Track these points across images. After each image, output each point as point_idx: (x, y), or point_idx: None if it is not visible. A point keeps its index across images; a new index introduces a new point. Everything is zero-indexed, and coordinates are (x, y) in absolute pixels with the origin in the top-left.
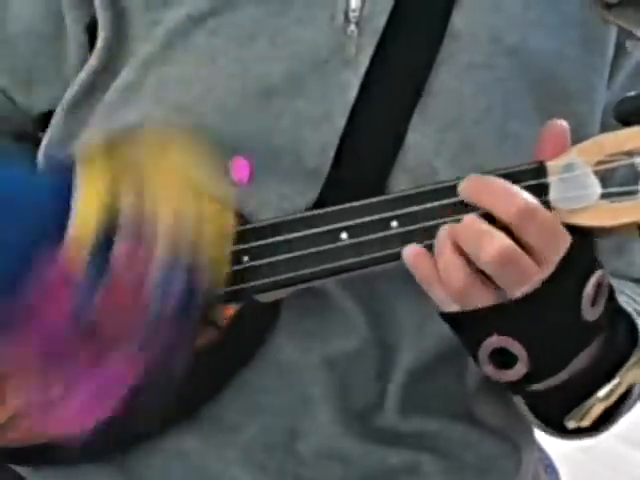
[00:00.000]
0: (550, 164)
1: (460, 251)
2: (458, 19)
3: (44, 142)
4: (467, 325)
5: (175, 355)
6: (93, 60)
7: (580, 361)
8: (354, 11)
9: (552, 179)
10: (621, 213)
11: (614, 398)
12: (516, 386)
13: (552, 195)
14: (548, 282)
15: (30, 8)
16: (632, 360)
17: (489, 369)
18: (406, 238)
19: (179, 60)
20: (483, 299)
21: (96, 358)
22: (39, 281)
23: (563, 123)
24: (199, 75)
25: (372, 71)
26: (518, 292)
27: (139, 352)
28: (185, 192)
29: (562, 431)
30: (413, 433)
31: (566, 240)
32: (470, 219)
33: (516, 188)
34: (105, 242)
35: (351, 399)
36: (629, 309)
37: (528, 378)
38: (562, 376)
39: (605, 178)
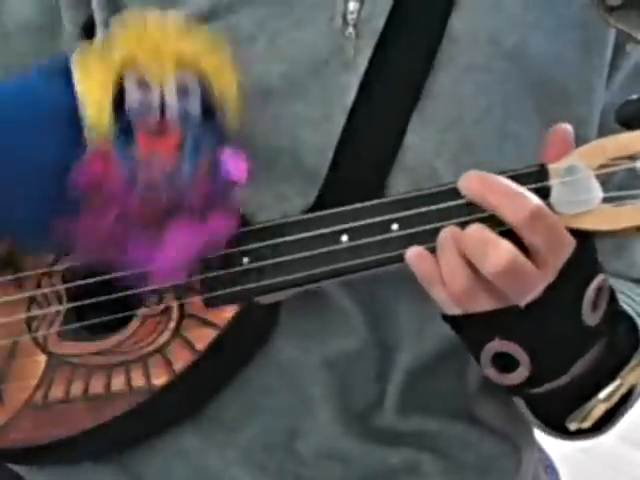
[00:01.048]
0: (552, 167)
1: (464, 256)
2: (457, 21)
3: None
4: (469, 328)
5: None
6: None
7: (581, 365)
8: (352, 13)
9: (554, 182)
10: (622, 217)
11: (615, 399)
12: (517, 389)
13: (553, 198)
14: (551, 288)
15: (26, 5)
16: (633, 361)
17: (491, 372)
18: (406, 241)
19: None
20: (485, 303)
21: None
22: (87, 181)
23: (567, 127)
24: None
25: (371, 73)
26: (522, 300)
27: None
28: (180, 36)
29: (563, 432)
30: (413, 433)
31: (570, 245)
32: (475, 227)
33: (523, 190)
34: (121, 111)
35: (351, 399)
36: (630, 310)
37: (530, 382)
38: (563, 380)
39: (606, 182)
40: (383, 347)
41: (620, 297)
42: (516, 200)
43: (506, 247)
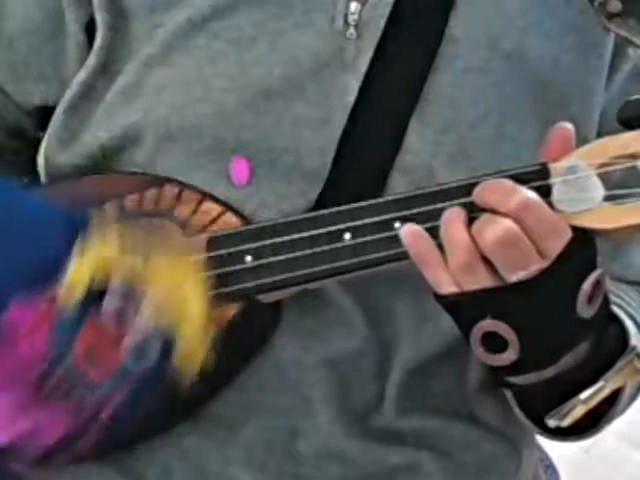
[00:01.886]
0: (553, 166)
1: (468, 229)
2: (456, 23)
3: (43, 144)
4: (462, 306)
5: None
6: (92, 59)
7: (569, 359)
8: (353, 14)
9: (555, 181)
10: (624, 215)
11: (596, 401)
12: (505, 373)
13: (555, 197)
14: (546, 273)
15: (30, 5)
16: (618, 365)
17: (480, 352)
18: None
19: (180, 62)
20: (482, 279)
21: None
22: (21, 315)
23: (568, 126)
24: (199, 77)
25: (371, 74)
26: (514, 277)
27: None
28: (175, 292)
29: (550, 432)
30: (413, 432)
31: (566, 235)
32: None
33: (517, 186)
34: (90, 299)
35: (351, 399)
36: (621, 314)
37: (517, 367)
38: (550, 371)
39: (607, 180)
40: (382, 346)
41: (614, 299)
42: (508, 193)
43: (506, 221)
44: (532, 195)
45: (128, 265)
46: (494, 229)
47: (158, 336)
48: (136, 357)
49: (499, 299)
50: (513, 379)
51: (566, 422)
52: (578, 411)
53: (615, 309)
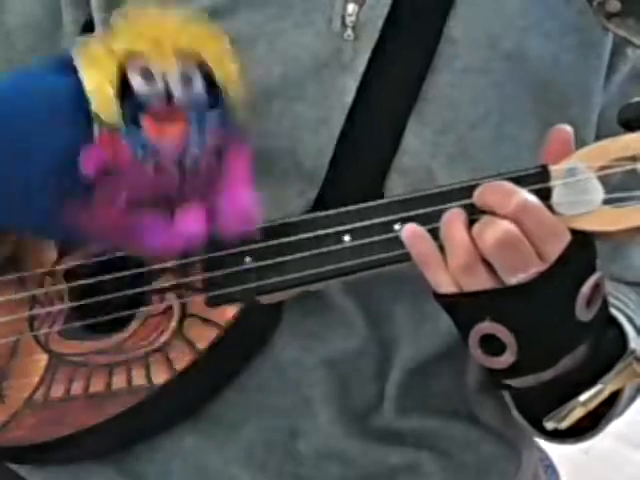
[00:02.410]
0: (553, 168)
1: (469, 230)
2: (455, 23)
3: None
4: (461, 307)
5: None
6: None
7: (567, 361)
8: (351, 16)
9: (555, 183)
10: (623, 218)
11: (595, 403)
12: (503, 376)
13: (555, 199)
14: (545, 276)
15: (29, 4)
16: (617, 367)
17: (478, 354)
18: None
19: None
20: (481, 281)
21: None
22: (96, 166)
23: (567, 128)
24: None
25: (369, 75)
26: (514, 279)
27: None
28: (181, 29)
29: (548, 434)
30: (412, 432)
31: (565, 238)
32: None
33: (516, 188)
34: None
35: (351, 399)
36: (620, 317)
37: (515, 369)
38: (549, 374)
39: (607, 183)
40: (382, 346)
41: (613, 302)
42: (506, 196)
43: (506, 223)
44: (531, 197)
45: (129, 49)
46: (494, 231)
47: (196, 78)
48: (184, 86)
49: (498, 301)
50: (511, 381)
51: (564, 424)
52: (577, 413)
53: (614, 312)
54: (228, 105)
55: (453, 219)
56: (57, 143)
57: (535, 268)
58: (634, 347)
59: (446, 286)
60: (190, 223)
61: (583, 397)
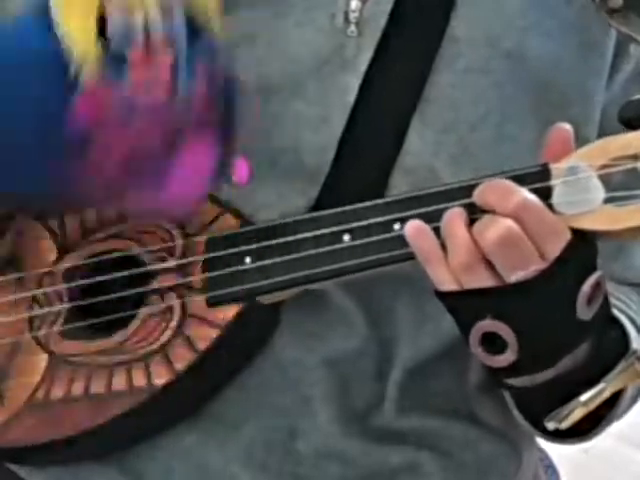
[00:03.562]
0: (554, 167)
1: (470, 228)
2: (457, 23)
3: None
4: (462, 305)
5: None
6: None
7: (568, 361)
8: (354, 12)
9: (556, 182)
10: (624, 217)
11: (596, 404)
12: (504, 375)
13: (555, 198)
14: (545, 274)
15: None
16: (619, 368)
17: (479, 352)
18: None
19: None
20: (482, 279)
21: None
22: (84, 116)
23: (567, 126)
24: None
25: (372, 73)
26: (514, 277)
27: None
28: None
29: (549, 434)
30: (413, 432)
31: (565, 237)
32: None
33: (517, 186)
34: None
35: (351, 399)
36: (622, 318)
37: (516, 368)
38: (549, 373)
39: (608, 182)
40: (383, 346)
41: (615, 302)
42: (507, 194)
43: (507, 221)
44: (531, 196)
45: None
46: (495, 229)
47: (176, 11)
48: (165, 19)
49: (499, 299)
50: (512, 381)
51: (565, 424)
52: (578, 413)
53: (616, 312)
54: (210, 33)
55: (454, 218)
56: (37, 95)
57: (535, 266)
58: (636, 347)
59: (448, 284)
60: (195, 165)
61: (584, 397)
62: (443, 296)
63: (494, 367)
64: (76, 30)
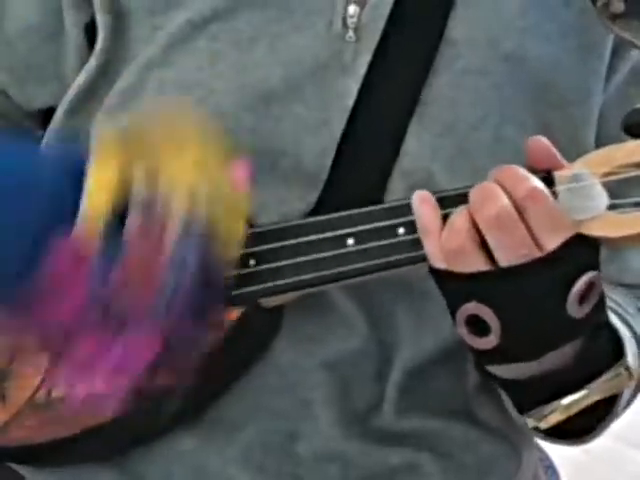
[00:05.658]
0: (558, 174)
1: (470, 216)
2: (455, 24)
3: (43, 143)
4: (451, 284)
5: (195, 332)
6: (92, 62)
7: (554, 358)
8: (352, 17)
9: (559, 189)
10: (628, 224)
11: (577, 409)
12: (487, 360)
13: (559, 205)
14: (538, 263)
15: (30, 6)
16: (606, 376)
17: (463, 332)
18: (412, 245)
19: (180, 64)
20: (472, 264)
21: (112, 337)
22: (54, 263)
23: (543, 138)
24: (199, 79)
25: (370, 77)
26: (505, 261)
27: (156, 329)
28: (199, 171)
29: (548, 434)
30: (412, 433)
31: (567, 233)
32: (485, 183)
33: (530, 175)
34: (118, 221)
35: (351, 401)
36: (618, 324)
37: (498, 353)
38: (534, 368)
39: (613, 189)
40: (382, 348)
41: (610, 305)
42: (518, 179)
43: (505, 199)
44: (541, 185)
45: (141, 172)
46: (493, 204)
47: (194, 240)
48: (177, 266)
49: (486, 282)
50: (495, 369)
51: (544, 424)
52: (557, 416)
53: (613, 319)
54: (219, 263)
55: (459, 211)
56: (30, 224)
57: (526, 250)
58: (628, 359)
59: (439, 261)
60: (130, 349)
61: (565, 400)
62: (434, 272)
63: (477, 349)
64: (97, 188)
